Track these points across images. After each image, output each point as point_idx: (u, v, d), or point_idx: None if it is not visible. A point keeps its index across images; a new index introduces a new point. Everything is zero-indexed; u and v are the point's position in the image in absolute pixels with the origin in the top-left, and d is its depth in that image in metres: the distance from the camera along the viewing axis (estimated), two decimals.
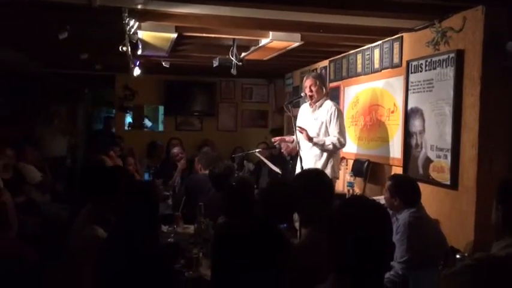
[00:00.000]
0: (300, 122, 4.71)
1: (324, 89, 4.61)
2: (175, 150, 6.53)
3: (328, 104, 4.54)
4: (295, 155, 5.21)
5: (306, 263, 2.28)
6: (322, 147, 4.45)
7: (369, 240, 1.44)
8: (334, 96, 5.73)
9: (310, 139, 4.41)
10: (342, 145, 4.48)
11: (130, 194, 2.54)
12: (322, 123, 4.50)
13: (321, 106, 4.55)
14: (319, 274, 2.05)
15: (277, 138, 4.91)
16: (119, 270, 2.34)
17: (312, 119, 4.58)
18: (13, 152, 5.22)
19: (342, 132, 4.46)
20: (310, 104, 4.64)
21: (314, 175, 2.63)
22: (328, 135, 4.48)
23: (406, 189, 3.26)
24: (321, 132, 4.50)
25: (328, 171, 4.31)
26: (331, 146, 4.42)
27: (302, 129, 4.41)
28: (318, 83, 4.53)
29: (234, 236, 2.49)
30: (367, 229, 1.45)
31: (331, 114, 4.46)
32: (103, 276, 2.40)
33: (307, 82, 4.58)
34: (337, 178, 4.71)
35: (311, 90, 4.54)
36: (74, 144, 8.00)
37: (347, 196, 4.44)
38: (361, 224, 1.46)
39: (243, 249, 2.39)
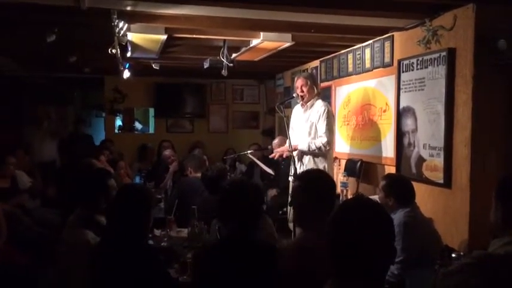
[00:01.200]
0: (293, 123, 4.70)
1: (315, 89, 4.57)
2: (167, 152, 6.49)
3: (319, 104, 4.51)
4: (286, 156, 5.22)
5: (299, 266, 2.27)
6: (309, 152, 4.43)
7: (369, 244, 1.41)
8: (326, 96, 5.72)
9: (295, 149, 4.39)
10: (326, 145, 4.38)
11: (123, 197, 2.50)
12: (313, 123, 4.46)
13: (312, 106, 4.52)
14: (313, 277, 2.03)
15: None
16: (111, 275, 2.30)
17: (304, 120, 4.56)
18: (15, 159, 5.16)
19: (327, 132, 4.39)
20: (302, 105, 4.62)
21: (314, 175, 2.61)
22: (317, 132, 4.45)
23: (400, 188, 3.25)
24: (312, 132, 4.46)
25: None
26: (316, 150, 4.39)
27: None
28: (309, 82, 4.50)
29: (214, 262, 2.31)
30: (368, 233, 1.42)
31: (320, 114, 4.43)
32: (95, 281, 2.36)
33: (298, 82, 4.55)
34: None
35: (302, 91, 4.51)
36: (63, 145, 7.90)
37: (341, 197, 4.42)
38: (362, 228, 1.43)
39: (227, 273, 2.24)
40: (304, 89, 4.50)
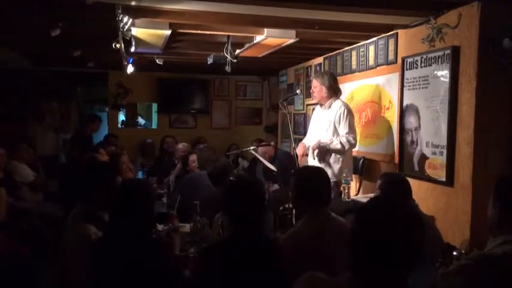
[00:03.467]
0: (312, 122, 4.71)
1: (326, 90, 4.45)
2: (182, 146, 6.48)
3: (338, 104, 4.42)
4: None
5: (292, 256, 2.33)
6: (330, 147, 4.33)
7: (392, 245, 1.45)
8: None
9: (318, 146, 4.33)
10: (352, 144, 4.35)
11: (124, 191, 2.51)
12: (330, 122, 4.39)
13: (330, 106, 4.47)
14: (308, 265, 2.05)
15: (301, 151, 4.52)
16: (115, 269, 2.30)
17: (322, 118, 4.54)
18: (4, 151, 5.16)
19: (350, 131, 4.34)
20: (320, 104, 4.63)
21: (306, 170, 2.70)
22: (338, 134, 4.36)
23: (397, 187, 3.23)
24: (329, 131, 4.39)
25: (329, 172, 3.90)
26: (338, 146, 4.29)
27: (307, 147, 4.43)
28: (318, 84, 4.48)
29: (220, 260, 2.28)
30: (398, 231, 1.46)
31: (340, 114, 4.35)
32: (98, 275, 2.37)
33: (312, 82, 4.60)
34: (341, 181, 4.41)
35: (313, 91, 4.55)
36: (68, 142, 7.93)
37: (342, 194, 4.41)
38: (389, 231, 1.46)
39: (232, 270, 2.23)
40: (314, 90, 4.52)
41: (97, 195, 2.79)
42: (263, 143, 6.05)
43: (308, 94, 6.01)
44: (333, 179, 4.01)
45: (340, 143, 4.30)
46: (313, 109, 4.79)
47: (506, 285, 1.85)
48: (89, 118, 7.93)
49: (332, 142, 4.32)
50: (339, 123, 4.35)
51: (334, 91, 4.49)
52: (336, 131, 4.37)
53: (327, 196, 2.63)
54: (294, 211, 3.95)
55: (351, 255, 1.51)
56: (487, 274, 1.85)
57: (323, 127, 4.47)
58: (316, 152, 4.34)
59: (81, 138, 7.41)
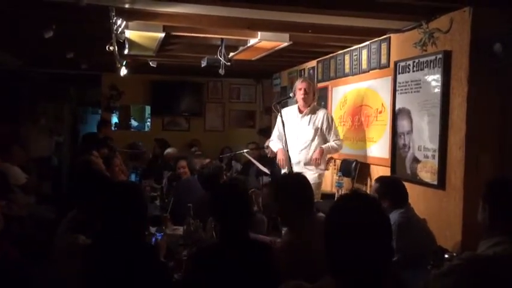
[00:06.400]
0: (289, 126, 4.57)
1: (314, 93, 4.71)
2: (171, 150, 6.47)
3: (323, 111, 4.73)
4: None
5: (287, 263, 2.33)
6: (329, 152, 4.73)
7: (366, 244, 1.39)
8: (322, 96, 5.75)
9: (322, 153, 4.59)
10: (341, 147, 4.84)
11: (111, 195, 2.49)
12: (318, 128, 4.61)
13: (315, 112, 4.65)
14: (302, 271, 2.05)
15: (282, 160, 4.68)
16: (108, 276, 2.29)
17: (304, 123, 4.62)
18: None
19: (338, 137, 4.78)
20: (299, 108, 4.65)
21: (288, 178, 2.69)
22: (323, 138, 4.66)
23: (394, 190, 3.24)
24: (316, 136, 4.61)
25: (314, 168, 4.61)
26: (333, 151, 4.76)
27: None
28: (312, 86, 4.61)
29: (211, 264, 2.27)
30: (365, 233, 1.39)
31: (329, 121, 4.66)
32: (90, 279, 2.35)
33: (303, 85, 4.58)
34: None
35: (306, 93, 4.55)
36: (61, 144, 7.89)
37: (335, 197, 4.44)
38: (358, 228, 1.40)
39: (223, 274, 2.21)
40: (309, 92, 4.60)
41: (94, 205, 2.75)
42: (258, 146, 6.05)
43: None
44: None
45: (333, 147, 4.67)
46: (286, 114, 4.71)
47: (497, 285, 1.88)
48: (101, 122, 7.88)
49: (333, 147, 4.67)
50: (329, 129, 4.66)
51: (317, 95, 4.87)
52: (322, 136, 4.65)
53: (310, 199, 2.62)
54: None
55: (328, 258, 1.45)
56: (478, 274, 1.87)
57: (308, 132, 4.59)
58: (318, 160, 4.57)
59: (94, 140, 7.33)
